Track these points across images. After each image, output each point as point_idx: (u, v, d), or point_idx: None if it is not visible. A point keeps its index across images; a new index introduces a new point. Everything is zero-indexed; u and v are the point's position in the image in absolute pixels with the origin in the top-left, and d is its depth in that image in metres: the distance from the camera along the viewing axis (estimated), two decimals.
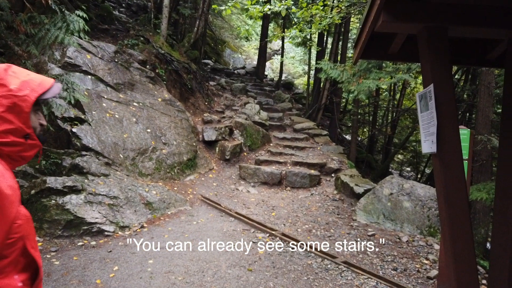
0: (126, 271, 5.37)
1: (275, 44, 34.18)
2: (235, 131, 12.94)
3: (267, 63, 29.51)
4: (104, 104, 9.64)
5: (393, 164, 21.05)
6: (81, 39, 7.68)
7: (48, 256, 5.70)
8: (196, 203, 8.80)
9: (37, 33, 6.50)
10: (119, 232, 6.78)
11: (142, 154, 9.40)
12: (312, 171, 11.03)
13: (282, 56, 20.48)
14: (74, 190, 6.98)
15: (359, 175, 10.70)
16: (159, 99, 11.56)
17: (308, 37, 17.15)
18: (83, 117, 8.83)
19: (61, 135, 8.44)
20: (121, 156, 8.88)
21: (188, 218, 7.80)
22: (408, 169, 21.90)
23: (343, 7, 9.61)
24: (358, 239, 7.11)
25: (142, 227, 7.10)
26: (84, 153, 8.15)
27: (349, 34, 17.46)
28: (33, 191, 6.76)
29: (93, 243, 6.32)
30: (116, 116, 9.62)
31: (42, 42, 6.45)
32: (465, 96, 14.72)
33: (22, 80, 1.61)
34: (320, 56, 17.77)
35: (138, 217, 7.33)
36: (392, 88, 18.37)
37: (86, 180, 7.38)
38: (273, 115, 15.70)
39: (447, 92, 2.78)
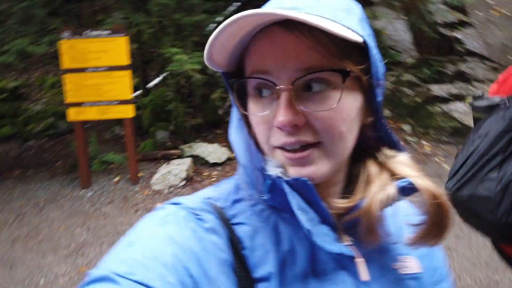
0: None
1: None
2: None
3: None
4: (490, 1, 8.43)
5: None
6: None
7: (436, 159, 5.89)
8: None
9: None
10: None
11: None
12: None
13: None
14: (459, 97, 6.70)
15: None
16: None
17: None
18: (465, 19, 8.09)
19: (443, 41, 8.14)
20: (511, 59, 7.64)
21: None
22: None
23: None
24: None
25: None
26: (468, 58, 7.57)
27: None
28: (418, 99, 7.02)
29: None
30: (507, 13, 8.22)
31: None
32: None
33: None
34: None
35: None
36: None
37: (471, 87, 6.90)
38: None
39: None
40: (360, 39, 0.55)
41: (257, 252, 0.59)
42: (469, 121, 6.28)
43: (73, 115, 5.48)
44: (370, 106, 0.62)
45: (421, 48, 8.19)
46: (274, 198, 0.60)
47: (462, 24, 8.01)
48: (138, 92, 6.49)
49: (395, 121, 7.13)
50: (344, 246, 0.59)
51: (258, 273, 0.58)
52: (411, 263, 0.67)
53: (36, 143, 7.91)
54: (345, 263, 0.61)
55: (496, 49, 7.72)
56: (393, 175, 0.62)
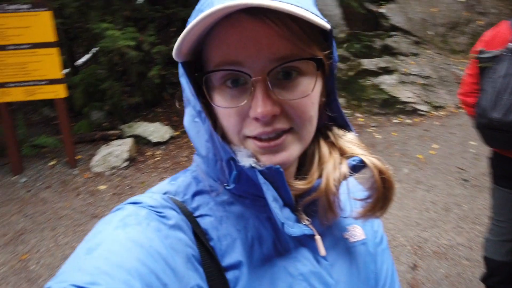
0: (446, 149, 5.33)
1: None
2: None
3: None
4: None
5: None
6: None
7: (369, 130, 6.31)
8: None
9: None
10: (433, 112, 6.68)
11: (452, 28, 8.48)
12: None
13: None
14: (387, 70, 7.18)
15: None
16: None
17: None
18: None
19: (370, 17, 8.59)
20: (430, 33, 8.31)
21: None
22: None
23: None
24: None
25: (458, 107, 6.69)
26: (392, 33, 8.09)
27: None
28: (350, 73, 7.41)
29: (408, 121, 6.52)
30: None
31: None
32: None
33: None
34: None
35: (453, 97, 6.91)
36: None
37: (397, 61, 7.42)
38: None
39: None
40: (328, 26, 0.57)
41: (223, 242, 0.60)
42: (397, 93, 6.79)
43: None
44: (326, 87, 0.65)
45: (351, 24, 8.57)
46: (239, 187, 0.61)
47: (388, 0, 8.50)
48: (65, 71, 6.10)
49: None
50: (305, 226, 0.63)
51: (226, 261, 0.59)
52: (357, 231, 0.73)
53: None
54: (305, 241, 0.65)
55: (417, 23, 8.32)
56: (343, 154, 0.66)
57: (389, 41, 7.82)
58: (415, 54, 7.69)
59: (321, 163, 0.66)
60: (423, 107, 6.75)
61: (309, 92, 0.58)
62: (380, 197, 0.63)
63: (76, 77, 6.78)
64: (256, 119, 0.56)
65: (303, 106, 0.58)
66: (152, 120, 6.48)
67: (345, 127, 0.70)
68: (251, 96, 0.55)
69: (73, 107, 6.66)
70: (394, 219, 3.86)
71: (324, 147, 0.67)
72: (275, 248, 0.62)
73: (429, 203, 4.13)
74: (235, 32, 0.54)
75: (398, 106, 6.81)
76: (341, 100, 7.25)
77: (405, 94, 6.88)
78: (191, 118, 0.62)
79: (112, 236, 0.52)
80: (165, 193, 0.64)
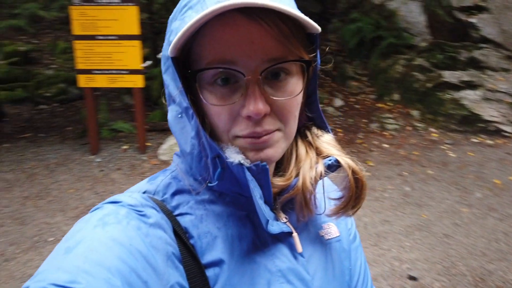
0: None
1: None
2: None
3: None
4: None
5: None
6: None
7: (442, 147, 5.90)
8: None
9: None
10: None
11: None
12: None
13: None
14: (470, 85, 6.66)
15: None
16: None
17: None
18: (482, 4, 7.92)
19: (458, 26, 8.01)
20: None
21: None
22: None
23: None
24: None
25: None
26: (482, 45, 7.46)
27: None
28: (429, 85, 6.97)
29: (490, 142, 5.99)
30: None
31: None
32: None
33: None
34: None
35: None
36: None
37: (483, 75, 6.83)
38: None
39: None
40: (319, 28, 0.58)
41: (204, 240, 0.61)
42: (479, 110, 6.26)
43: (83, 81, 5.54)
44: (307, 88, 0.67)
45: (435, 32, 8.07)
46: (222, 184, 0.62)
47: (479, 9, 7.85)
48: (148, 63, 6.51)
49: (404, 106, 7.12)
50: (283, 224, 0.65)
51: (207, 259, 0.60)
52: (332, 228, 0.75)
53: (47, 107, 8.02)
54: (283, 238, 0.66)
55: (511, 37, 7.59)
56: (319, 153, 0.68)
57: (477, 54, 7.23)
58: (505, 70, 7.02)
59: (298, 162, 0.68)
60: (509, 128, 6.15)
61: (297, 93, 0.60)
62: (353, 196, 0.66)
63: (156, 69, 7.21)
64: (248, 117, 0.57)
65: (289, 106, 0.60)
66: None
67: (323, 128, 0.72)
68: (243, 95, 0.56)
69: (151, 97, 7.08)
70: (458, 245, 3.57)
71: (302, 147, 0.69)
72: (254, 245, 0.64)
73: (500, 234, 3.76)
74: (230, 31, 0.54)
75: (479, 124, 6.27)
76: (415, 113, 6.86)
77: (489, 112, 6.31)
78: (175, 114, 0.63)
79: (91, 235, 0.52)
80: (144, 192, 0.64)
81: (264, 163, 0.58)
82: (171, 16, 0.63)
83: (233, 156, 0.58)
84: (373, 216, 4.10)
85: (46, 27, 10.05)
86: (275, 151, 0.61)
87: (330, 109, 7.32)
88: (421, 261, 3.34)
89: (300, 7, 0.61)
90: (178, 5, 0.61)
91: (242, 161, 0.58)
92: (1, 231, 4.03)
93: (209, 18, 0.52)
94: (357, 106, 7.44)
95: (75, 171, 5.36)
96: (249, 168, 0.58)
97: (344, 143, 6.22)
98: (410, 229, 3.85)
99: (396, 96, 7.38)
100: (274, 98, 0.58)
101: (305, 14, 0.56)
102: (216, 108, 0.58)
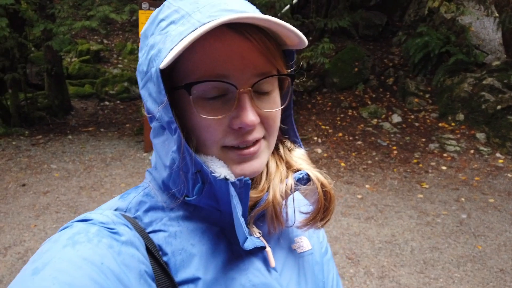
0: None
1: None
2: None
3: None
4: None
5: None
6: None
7: (508, 175, 5.41)
8: None
9: None
10: None
11: None
12: None
13: None
14: None
15: None
16: None
17: None
18: None
19: None
20: None
21: None
22: None
23: None
24: None
25: None
26: None
27: None
28: (499, 107, 6.46)
29: None
30: None
31: None
32: None
33: None
34: None
35: None
36: None
37: None
38: None
39: None
40: (306, 41, 0.61)
41: (178, 257, 0.60)
42: None
43: None
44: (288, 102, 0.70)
45: (511, 51, 7.47)
46: (200, 199, 0.61)
47: None
48: None
49: (469, 128, 6.65)
50: (256, 239, 0.63)
51: (181, 276, 0.59)
52: (304, 242, 0.76)
53: (110, 104, 8.51)
54: (256, 253, 0.66)
55: None
56: (290, 167, 0.70)
57: None
58: None
59: (269, 175, 0.69)
60: None
61: (280, 105, 0.64)
62: (321, 208, 0.67)
63: None
64: (240, 128, 0.58)
65: (275, 117, 0.63)
66: None
67: (296, 142, 0.75)
68: (234, 107, 0.58)
69: None
70: None
71: (272, 161, 0.71)
72: (228, 260, 0.63)
73: None
74: (221, 47, 0.56)
75: None
76: (481, 136, 6.38)
77: None
78: (157, 127, 0.63)
79: (60, 255, 0.50)
80: (115, 210, 0.63)
81: (247, 178, 0.59)
82: (144, 31, 0.64)
83: (219, 170, 0.59)
84: (422, 242, 3.83)
85: (117, 29, 10.72)
86: (262, 163, 0.63)
87: (386, 125, 7.02)
88: None
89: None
90: (151, 19, 0.63)
91: (227, 176, 0.58)
92: (56, 217, 4.30)
93: (202, 33, 0.52)
94: (416, 123, 7.07)
95: (128, 166, 5.61)
96: (232, 183, 0.58)
97: (398, 161, 5.93)
98: (462, 259, 3.54)
99: (460, 117, 6.91)
100: (265, 110, 0.61)
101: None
102: (208, 120, 0.58)
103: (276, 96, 0.64)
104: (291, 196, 0.68)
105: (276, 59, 0.60)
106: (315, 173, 0.68)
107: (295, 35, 0.58)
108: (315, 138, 6.78)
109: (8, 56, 7.22)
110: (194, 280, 0.59)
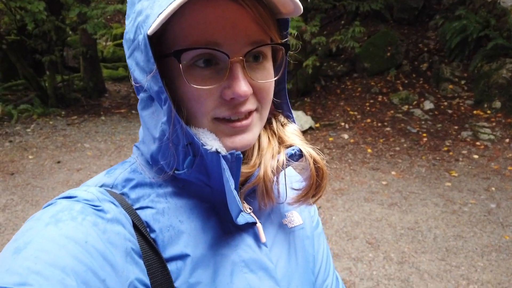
0: None
1: None
2: None
3: None
4: None
5: None
6: None
7: None
8: None
9: None
10: None
11: None
12: None
13: None
14: None
15: None
16: None
17: None
18: None
19: None
20: None
21: None
22: None
23: None
24: None
25: None
26: None
27: None
28: None
29: None
30: None
31: None
32: None
33: None
34: None
35: None
36: None
37: None
38: None
39: None
40: (302, 9, 0.58)
41: (166, 233, 0.59)
42: None
43: None
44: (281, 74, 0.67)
45: None
46: (190, 173, 0.60)
47: None
48: None
49: (506, 116, 6.36)
50: (247, 215, 0.64)
51: (169, 253, 0.58)
52: (295, 216, 0.76)
53: None
54: (247, 229, 0.66)
55: None
56: (282, 143, 0.69)
57: None
58: None
59: (260, 150, 0.68)
60: None
61: (273, 77, 0.62)
62: (313, 184, 0.66)
63: None
64: (232, 99, 0.56)
65: (268, 89, 0.61)
66: (297, 108, 6.64)
67: (289, 117, 0.72)
68: (226, 77, 0.56)
69: None
70: None
71: (264, 136, 0.69)
72: (218, 237, 0.63)
73: None
74: (213, 12, 0.53)
75: None
76: None
77: None
78: (145, 98, 0.61)
79: (42, 233, 0.49)
80: (101, 186, 0.61)
81: (239, 152, 0.58)
82: None
83: (210, 142, 0.57)
84: (446, 230, 3.75)
85: None
86: (254, 135, 0.61)
87: (417, 112, 6.82)
88: (492, 284, 2.98)
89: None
90: None
91: (219, 149, 0.57)
92: None
93: None
94: (449, 111, 6.83)
95: None
96: (224, 157, 0.56)
97: (427, 149, 5.77)
98: (487, 249, 3.44)
99: (497, 104, 6.61)
100: (258, 81, 0.59)
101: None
102: (199, 90, 0.55)
103: (269, 66, 0.61)
104: (283, 172, 0.67)
105: (270, 27, 0.57)
106: (307, 149, 0.66)
107: (290, 1, 0.56)
108: (342, 124, 6.70)
109: (45, 39, 7.54)
110: (182, 256, 0.59)
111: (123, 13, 8.58)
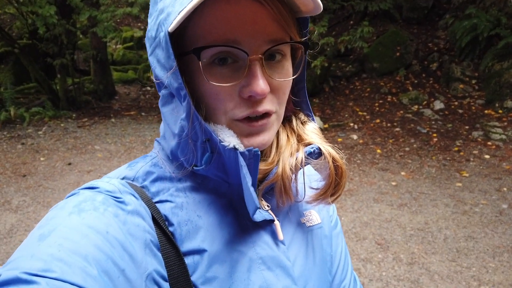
0: None
1: None
2: None
3: None
4: None
5: None
6: None
7: None
8: None
9: None
10: None
11: None
12: None
13: None
14: None
15: None
16: None
17: None
18: None
19: None
20: None
21: None
22: None
23: None
24: None
25: None
26: None
27: None
28: None
29: None
30: None
31: None
32: None
33: None
34: None
35: None
36: None
37: None
38: None
39: None
40: (321, 7, 0.58)
41: (184, 227, 0.60)
42: None
43: None
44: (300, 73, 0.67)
45: None
46: (208, 169, 0.61)
47: None
48: None
49: None
50: (265, 212, 0.64)
51: (186, 247, 0.59)
52: (313, 215, 0.75)
53: (152, 89, 8.79)
54: (264, 226, 0.66)
55: None
56: (301, 141, 0.68)
57: None
58: None
59: (279, 148, 0.68)
60: None
61: (291, 75, 0.61)
62: (332, 183, 0.66)
63: None
64: (250, 97, 0.57)
65: (285, 88, 0.61)
66: None
67: (309, 116, 0.72)
68: (244, 75, 0.56)
69: None
70: None
71: (283, 134, 0.69)
72: (235, 233, 0.63)
73: None
74: (233, 11, 0.54)
75: None
76: None
77: None
78: (166, 95, 0.62)
79: (66, 222, 0.50)
80: (123, 178, 0.62)
81: (257, 148, 0.58)
82: None
83: (228, 139, 0.57)
84: (457, 230, 3.71)
85: None
86: (269, 137, 0.61)
87: (427, 112, 6.77)
88: (504, 286, 2.94)
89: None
90: None
91: (236, 146, 0.57)
92: None
93: None
94: (460, 110, 6.76)
95: None
96: (242, 154, 0.57)
97: (437, 149, 5.72)
98: (499, 250, 3.40)
99: (509, 103, 6.52)
100: (276, 79, 0.59)
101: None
102: (218, 88, 0.56)
103: (288, 65, 0.61)
104: (301, 170, 0.67)
105: (290, 26, 0.58)
106: (326, 148, 0.66)
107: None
108: (351, 124, 6.67)
109: (56, 43, 7.64)
110: (200, 251, 0.59)
111: (132, 17, 8.69)
